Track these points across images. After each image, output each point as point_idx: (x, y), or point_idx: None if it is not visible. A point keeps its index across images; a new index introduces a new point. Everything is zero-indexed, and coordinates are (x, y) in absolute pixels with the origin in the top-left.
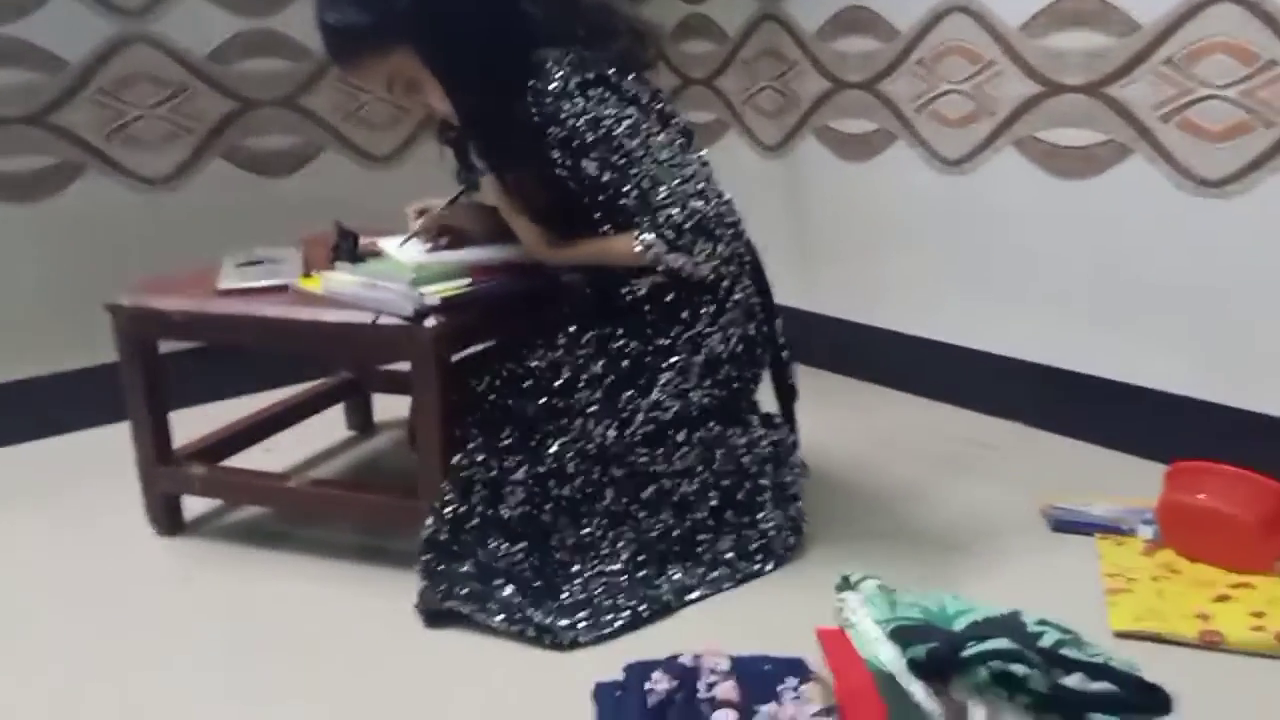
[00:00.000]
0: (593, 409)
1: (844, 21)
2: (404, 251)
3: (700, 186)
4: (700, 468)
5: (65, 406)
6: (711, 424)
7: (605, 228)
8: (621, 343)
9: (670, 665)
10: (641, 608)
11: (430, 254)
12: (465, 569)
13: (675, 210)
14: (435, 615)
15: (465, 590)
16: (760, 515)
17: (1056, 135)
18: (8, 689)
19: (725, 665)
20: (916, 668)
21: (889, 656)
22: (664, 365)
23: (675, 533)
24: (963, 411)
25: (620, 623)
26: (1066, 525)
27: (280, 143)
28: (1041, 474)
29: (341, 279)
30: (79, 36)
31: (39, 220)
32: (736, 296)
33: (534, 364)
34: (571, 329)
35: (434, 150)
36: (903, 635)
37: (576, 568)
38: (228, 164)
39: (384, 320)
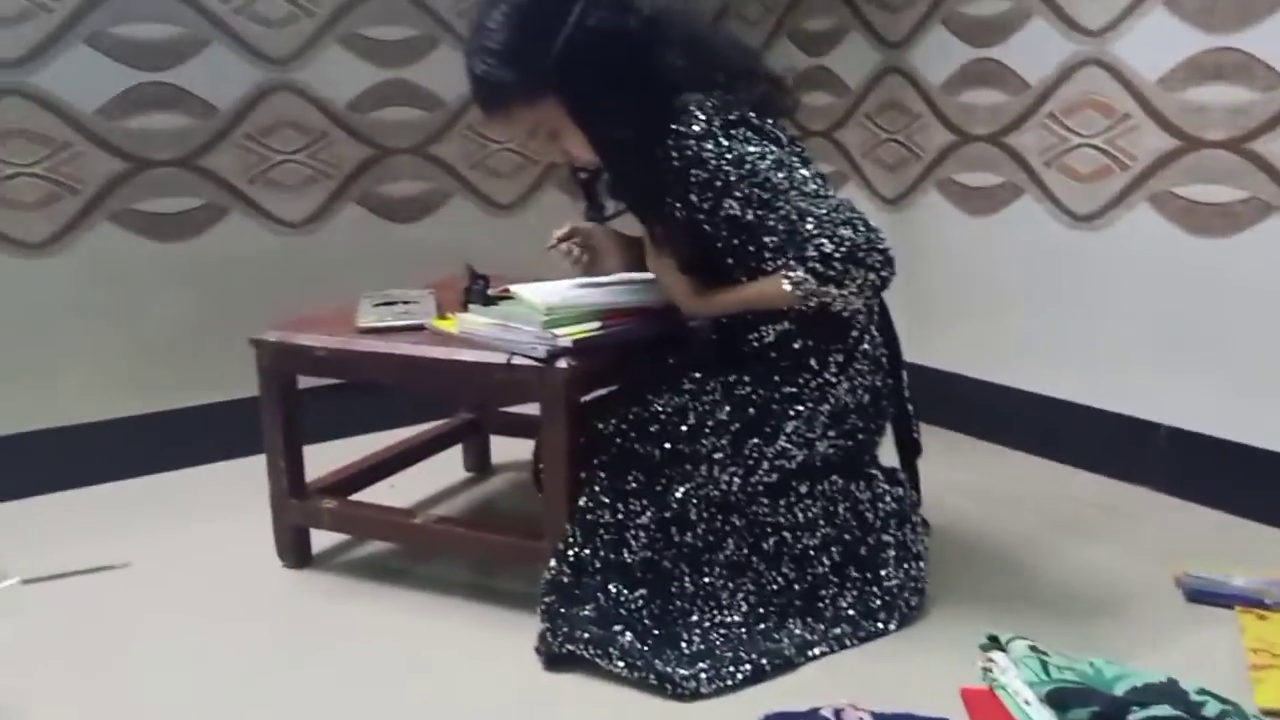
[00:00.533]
0: (718, 455)
1: (971, 74)
2: (537, 293)
3: (847, 216)
4: (823, 522)
5: (202, 438)
6: (835, 477)
7: (742, 276)
8: (747, 390)
9: (812, 716)
10: (763, 661)
11: (563, 296)
12: (586, 612)
13: (824, 240)
14: (555, 658)
15: (586, 634)
16: (883, 573)
17: (1194, 191)
18: (138, 708)
19: (867, 719)
20: None
21: (1045, 719)
22: (790, 413)
23: (796, 586)
24: (1088, 474)
25: (741, 675)
26: (1204, 595)
27: (411, 189)
28: (1173, 541)
29: (476, 320)
30: (230, 84)
31: (184, 258)
32: (864, 347)
33: (660, 409)
34: (697, 375)
35: (556, 199)
36: (1061, 698)
37: (696, 617)
38: (361, 209)
39: (517, 361)
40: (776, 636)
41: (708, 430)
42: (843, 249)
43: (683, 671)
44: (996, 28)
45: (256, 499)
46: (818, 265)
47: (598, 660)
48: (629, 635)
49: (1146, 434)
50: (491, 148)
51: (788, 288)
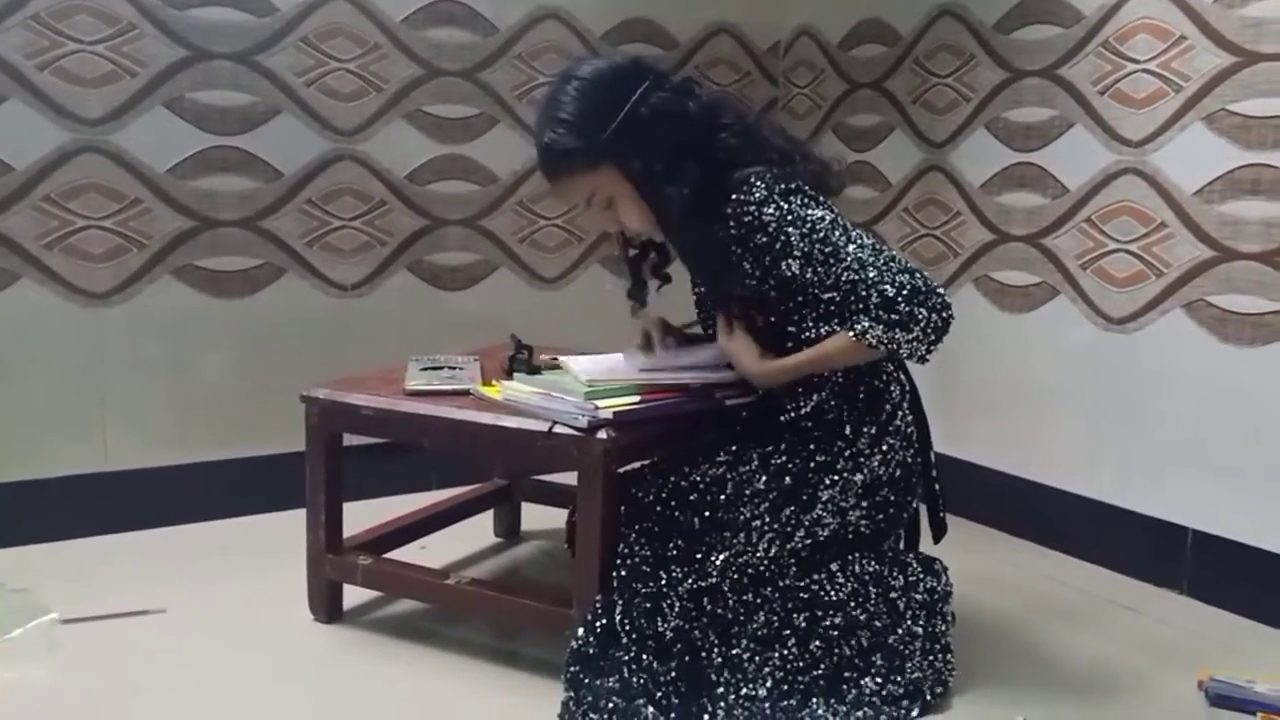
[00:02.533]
0: (756, 523)
1: (1011, 177)
2: (581, 365)
3: (904, 264)
4: (854, 604)
5: (244, 490)
6: (870, 561)
7: (802, 337)
8: (783, 460)
9: None
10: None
11: (606, 369)
12: (611, 684)
13: (887, 286)
14: None
15: (610, 705)
16: (908, 665)
17: (1227, 301)
18: None
19: None
20: None
21: None
22: (825, 482)
23: (822, 665)
24: (1115, 573)
25: None
26: (1227, 701)
27: (460, 259)
28: (1196, 645)
29: (520, 388)
30: (296, 151)
31: (239, 315)
32: (897, 423)
33: (699, 478)
34: (734, 446)
35: (598, 275)
36: None
37: (721, 690)
38: (411, 276)
39: (558, 430)
40: (799, 715)
41: (745, 498)
42: (904, 292)
43: None
44: (1038, 134)
45: (293, 552)
46: (882, 311)
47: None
48: (651, 709)
49: (1174, 537)
50: (540, 223)
51: (853, 339)
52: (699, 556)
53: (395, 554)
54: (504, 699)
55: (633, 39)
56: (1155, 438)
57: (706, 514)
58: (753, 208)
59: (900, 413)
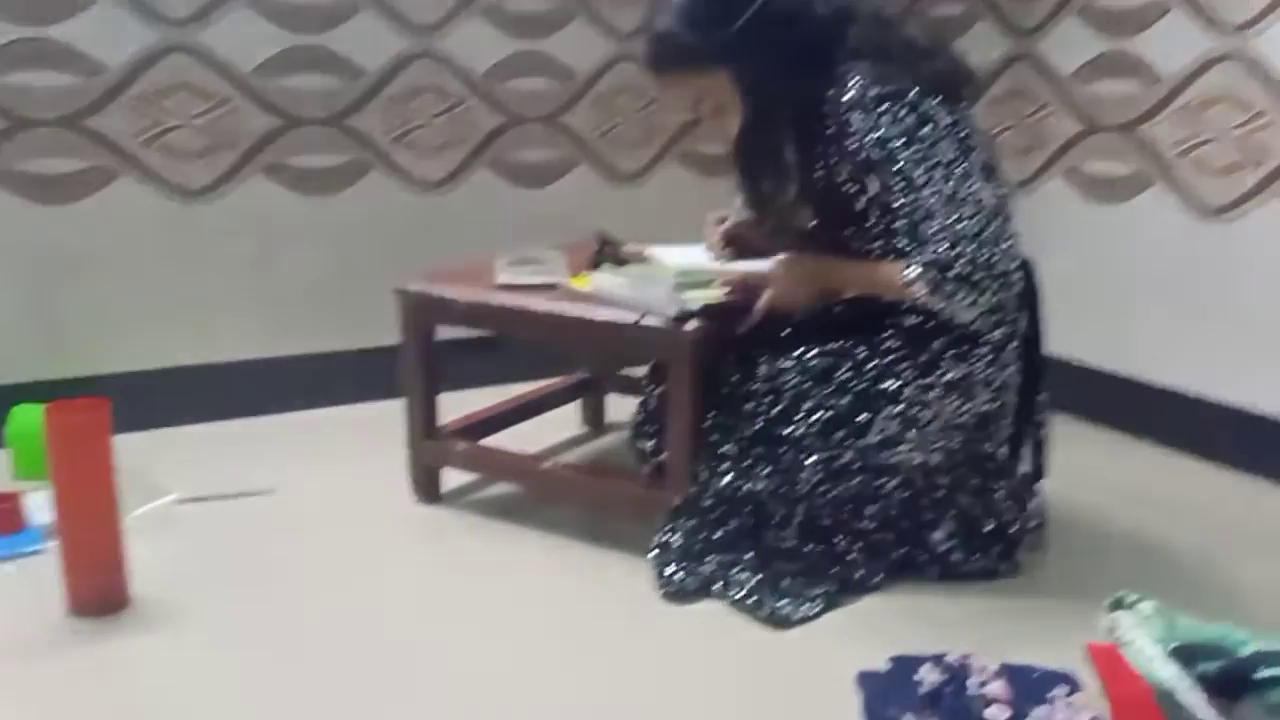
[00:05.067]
0: (806, 441)
1: (1102, 65)
2: (670, 257)
3: (977, 229)
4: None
5: (339, 381)
6: (940, 479)
7: (874, 251)
8: (849, 375)
9: (938, 661)
10: (873, 577)
11: (695, 261)
12: (701, 548)
13: (943, 250)
14: (675, 594)
15: (703, 570)
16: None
17: None
18: (283, 619)
19: (994, 667)
20: (1205, 683)
21: (1169, 674)
22: (886, 411)
23: (897, 553)
24: (1203, 464)
25: (826, 596)
26: None
27: (540, 156)
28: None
29: (609, 280)
30: (377, 49)
31: (326, 213)
32: (987, 369)
33: (756, 386)
34: (804, 351)
35: (677, 172)
36: (1188, 653)
37: (798, 562)
38: (491, 173)
39: (647, 321)
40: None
41: (801, 412)
42: (957, 265)
43: (786, 603)
44: (1132, 20)
45: (392, 439)
46: (932, 273)
47: (715, 594)
48: (744, 573)
49: (1264, 428)
50: (618, 119)
51: (902, 281)
52: (747, 465)
53: (488, 441)
54: (596, 571)
55: None
56: (1250, 328)
57: (760, 424)
58: (843, 109)
59: (995, 357)
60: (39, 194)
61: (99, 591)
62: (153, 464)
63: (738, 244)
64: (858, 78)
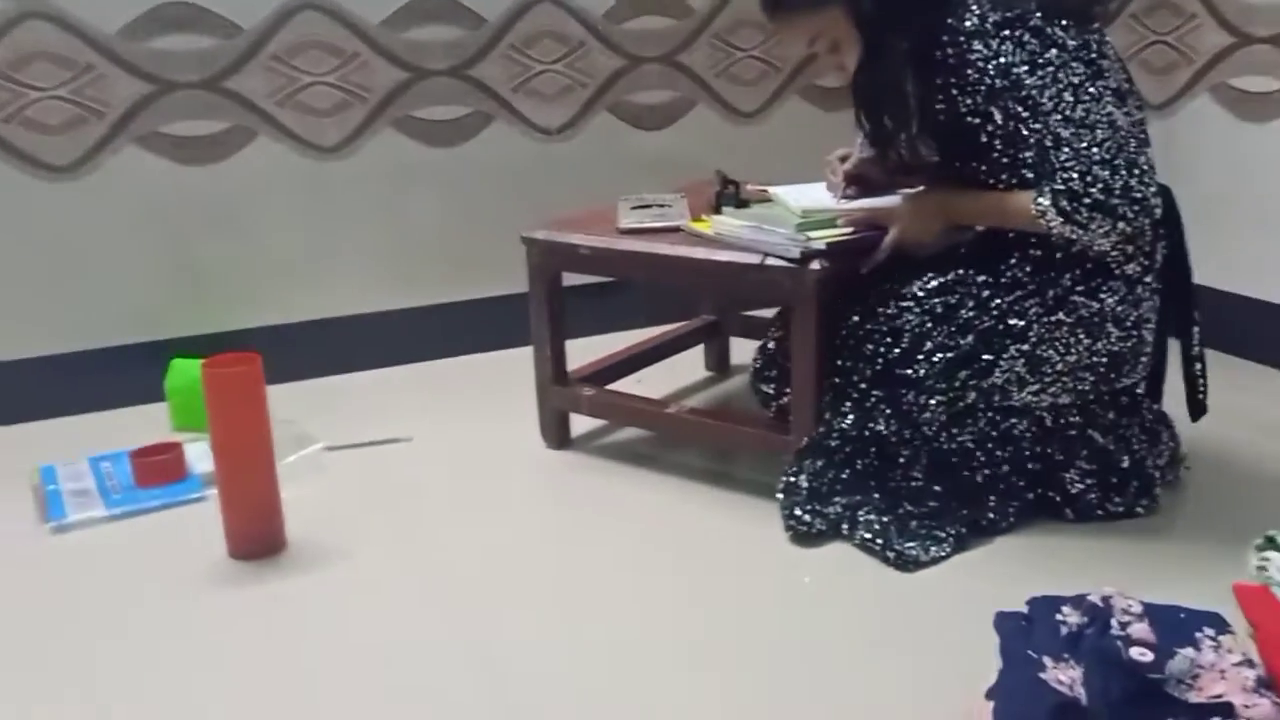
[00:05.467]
0: (929, 382)
1: None
2: (793, 196)
3: (1110, 154)
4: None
5: (468, 330)
6: (1071, 417)
7: (1002, 184)
8: (972, 313)
9: (1079, 602)
10: (1004, 519)
11: (817, 200)
12: (828, 489)
13: (1075, 177)
14: (803, 535)
15: (830, 511)
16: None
17: None
18: (436, 557)
19: (1138, 608)
20: None
21: None
22: (1011, 351)
23: (1029, 494)
24: None
25: (955, 538)
26: None
27: (658, 98)
28: None
29: (731, 222)
30: None
31: (452, 163)
32: (1122, 305)
33: (873, 328)
34: (926, 287)
35: (798, 107)
36: None
37: (926, 503)
38: (612, 117)
39: (771, 262)
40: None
41: (923, 352)
42: (1091, 191)
43: (914, 545)
44: None
45: (521, 386)
46: (1064, 202)
47: (844, 534)
48: (871, 514)
49: None
50: (736, 55)
51: (1034, 212)
52: (869, 407)
53: (614, 386)
54: (725, 511)
55: None
56: None
57: (880, 365)
58: (962, 39)
59: (1129, 292)
60: (184, 155)
61: (257, 536)
62: (299, 414)
63: (860, 182)
64: (976, 4)
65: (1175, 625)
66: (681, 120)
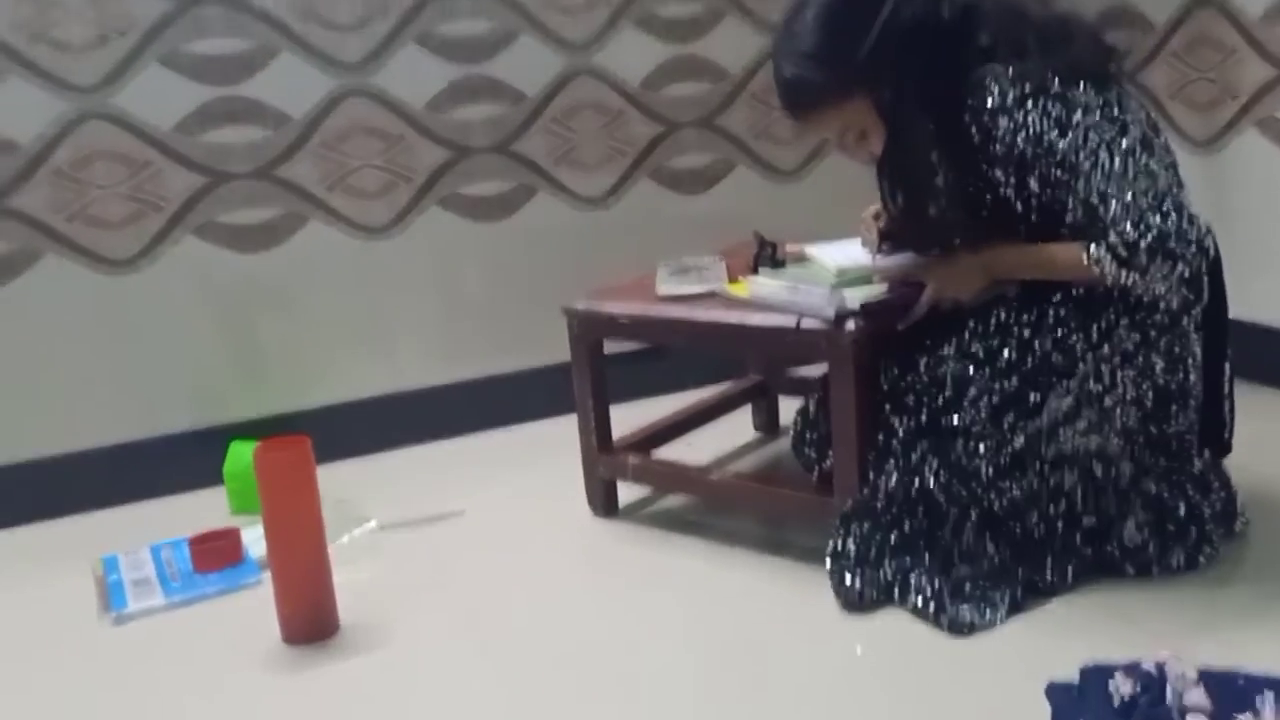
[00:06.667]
0: (975, 429)
1: None
2: (828, 254)
3: (1157, 200)
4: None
5: (517, 399)
6: (1123, 465)
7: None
8: (1013, 356)
9: (1133, 669)
10: (1061, 578)
11: (852, 257)
12: (878, 553)
13: (1128, 227)
14: (854, 603)
15: (880, 576)
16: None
17: None
18: (486, 634)
19: (1193, 674)
20: None
21: None
22: (1058, 388)
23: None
24: None
25: (1010, 600)
26: None
27: (697, 161)
28: None
29: (766, 283)
30: (536, 73)
31: (498, 236)
32: (1165, 338)
33: (914, 380)
34: (960, 338)
35: (838, 164)
36: None
37: (979, 564)
38: (652, 182)
39: (806, 324)
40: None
41: (967, 400)
42: (1147, 238)
43: (968, 609)
44: None
45: (568, 454)
46: (1120, 250)
47: (894, 600)
48: (922, 578)
49: None
50: (775, 114)
51: (1088, 262)
52: (915, 462)
53: (662, 451)
54: (774, 584)
55: None
56: None
57: (924, 417)
58: (985, 117)
59: (1174, 325)
60: (239, 242)
61: (309, 620)
62: (353, 492)
63: (895, 237)
64: (994, 81)
65: (1234, 691)
66: (722, 182)
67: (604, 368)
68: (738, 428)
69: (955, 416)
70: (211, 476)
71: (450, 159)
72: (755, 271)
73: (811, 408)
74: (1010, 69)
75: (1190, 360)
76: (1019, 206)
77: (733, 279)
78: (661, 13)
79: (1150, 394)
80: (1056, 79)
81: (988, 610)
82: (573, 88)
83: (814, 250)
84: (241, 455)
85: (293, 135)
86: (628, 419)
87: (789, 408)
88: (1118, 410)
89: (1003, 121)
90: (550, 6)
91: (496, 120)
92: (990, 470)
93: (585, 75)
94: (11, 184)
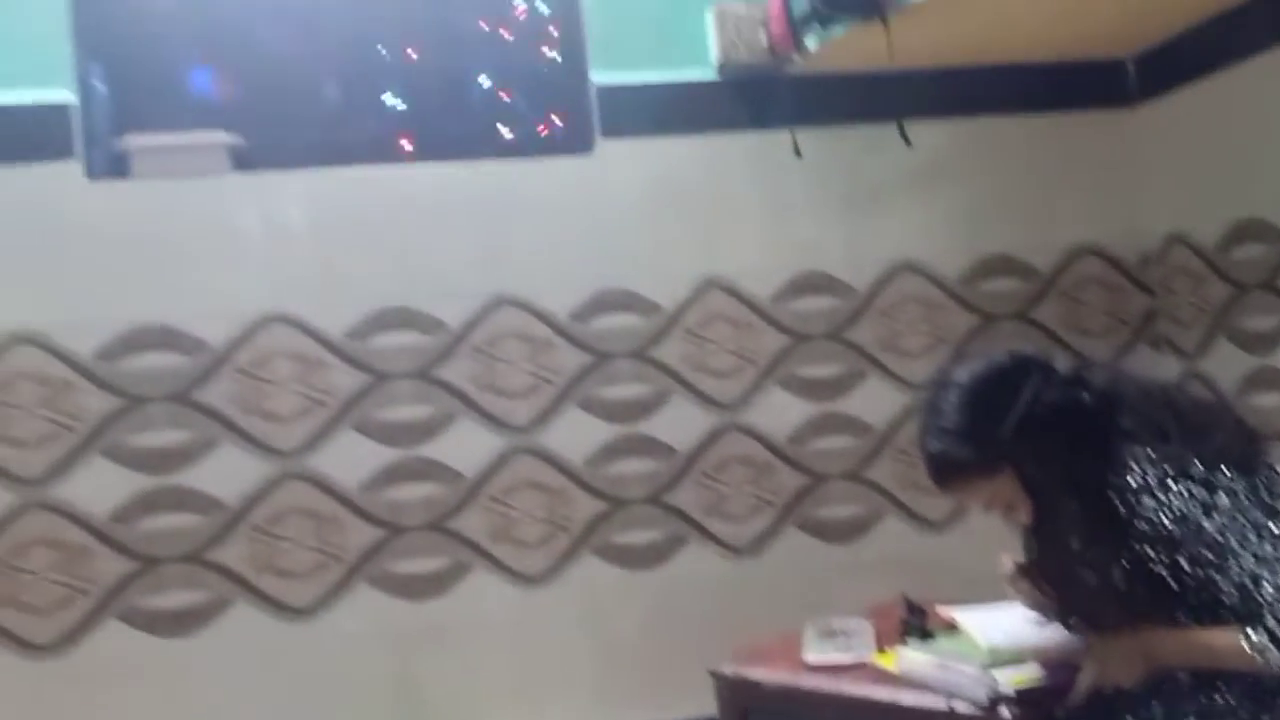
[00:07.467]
0: None
1: None
2: (980, 628)
3: None
4: None
5: None
6: None
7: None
8: None
9: None
10: None
11: (1007, 634)
12: None
13: None
14: None
15: None
16: None
17: None
18: None
19: None
20: None
21: None
22: None
23: None
24: None
25: None
26: None
27: (846, 511)
28: None
29: (915, 658)
30: (691, 429)
31: (649, 585)
32: None
33: None
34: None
35: (987, 517)
36: None
37: None
38: (801, 533)
39: (958, 705)
40: None
41: None
42: None
43: None
44: None
45: None
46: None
47: None
48: None
49: None
50: (920, 466)
51: (1246, 648)
52: None
53: None
54: None
55: (991, 274)
56: None
57: None
58: (1130, 495)
59: None
60: (410, 591)
61: None
62: None
63: (1053, 613)
64: (1137, 465)
65: None
66: (871, 531)
67: None
68: None
69: None
70: None
71: (605, 510)
72: (903, 641)
73: None
74: (1151, 452)
75: None
76: (1174, 585)
77: (881, 648)
78: (802, 373)
79: None
80: (1199, 462)
81: None
82: (723, 442)
83: (964, 618)
84: None
85: (463, 492)
86: None
87: None
88: None
89: (1147, 500)
90: (700, 369)
91: (650, 474)
92: None
93: (735, 431)
94: None
